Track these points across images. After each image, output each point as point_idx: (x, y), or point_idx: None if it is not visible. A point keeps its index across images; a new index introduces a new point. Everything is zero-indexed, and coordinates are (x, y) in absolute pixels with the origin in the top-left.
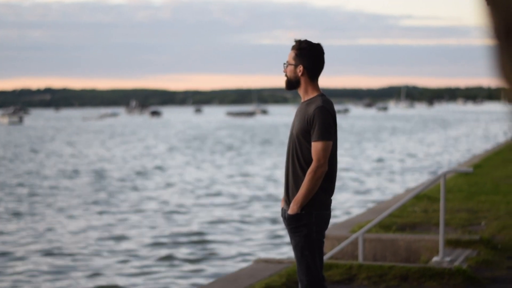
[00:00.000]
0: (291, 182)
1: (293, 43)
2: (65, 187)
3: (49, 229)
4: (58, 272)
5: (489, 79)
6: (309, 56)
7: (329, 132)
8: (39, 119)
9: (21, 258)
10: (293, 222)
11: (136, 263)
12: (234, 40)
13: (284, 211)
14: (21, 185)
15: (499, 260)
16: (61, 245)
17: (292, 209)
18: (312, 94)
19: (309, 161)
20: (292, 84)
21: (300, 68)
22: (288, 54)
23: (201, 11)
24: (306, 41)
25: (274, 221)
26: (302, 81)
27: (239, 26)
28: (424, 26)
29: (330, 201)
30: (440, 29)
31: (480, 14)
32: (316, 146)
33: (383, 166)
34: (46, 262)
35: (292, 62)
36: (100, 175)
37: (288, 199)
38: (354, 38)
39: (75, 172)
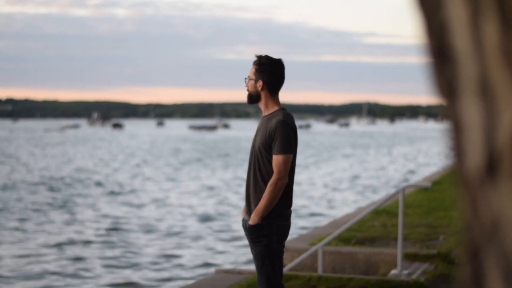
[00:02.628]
0: (252, 193)
1: (255, 59)
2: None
3: None
4: None
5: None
6: (269, 71)
7: (290, 146)
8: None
9: None
10: (254, 232)
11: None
12: (198, 54)
13: (245, 222)
14: None
15: (455, 274)
16: None
17: (253, 220)
18: (272, 109)
19: (270, 173)
20: (253, 98)
21: (260, 83)
22: (249, 69)
23: (165, 25)
24: (266, 57)
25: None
26: (263, 96)
27: (203, 41)
28: (387, 44)
29: (290, 212)
30: (403, 47)
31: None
32: (277, 159)
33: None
34: None
35: (253, 77)
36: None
37: (249, 210)
38: (317, 55)
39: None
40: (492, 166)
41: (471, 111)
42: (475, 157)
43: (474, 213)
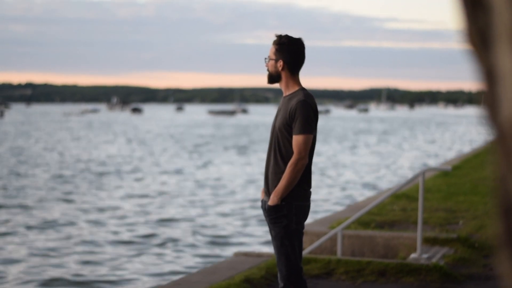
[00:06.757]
0: (272, 174)
1: (274, 39)
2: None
3: None
4: None
5: (470, 83)
6: (289, 51)
7: (310, 126)
8: (20, 114)
9: None
10: (273, 213)
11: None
12: (217, 39)
13: (264, 203)
14: None
15: (475, 258)
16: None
17: (272, 200)
18: (293, 89)
19: (290, 153)
20: (273, 78)
21: (281, 63)
22: (269, 49)
23: (185, 9)
24: (286, 36)
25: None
26: (283, 76)
27: (222, 25)
28: (408, 29)
29: (309, 193)
30: (424, 32)
31: None
32: (297, 139)
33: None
34: None
35: (273, 56)
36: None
37: (268, 190)
38: (338, 40)
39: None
40: None
41: (506, 59)
42: (510, 106)
43: (509, 165)
